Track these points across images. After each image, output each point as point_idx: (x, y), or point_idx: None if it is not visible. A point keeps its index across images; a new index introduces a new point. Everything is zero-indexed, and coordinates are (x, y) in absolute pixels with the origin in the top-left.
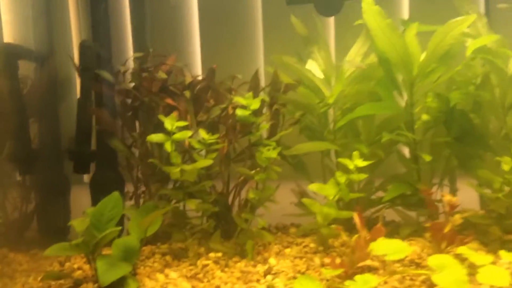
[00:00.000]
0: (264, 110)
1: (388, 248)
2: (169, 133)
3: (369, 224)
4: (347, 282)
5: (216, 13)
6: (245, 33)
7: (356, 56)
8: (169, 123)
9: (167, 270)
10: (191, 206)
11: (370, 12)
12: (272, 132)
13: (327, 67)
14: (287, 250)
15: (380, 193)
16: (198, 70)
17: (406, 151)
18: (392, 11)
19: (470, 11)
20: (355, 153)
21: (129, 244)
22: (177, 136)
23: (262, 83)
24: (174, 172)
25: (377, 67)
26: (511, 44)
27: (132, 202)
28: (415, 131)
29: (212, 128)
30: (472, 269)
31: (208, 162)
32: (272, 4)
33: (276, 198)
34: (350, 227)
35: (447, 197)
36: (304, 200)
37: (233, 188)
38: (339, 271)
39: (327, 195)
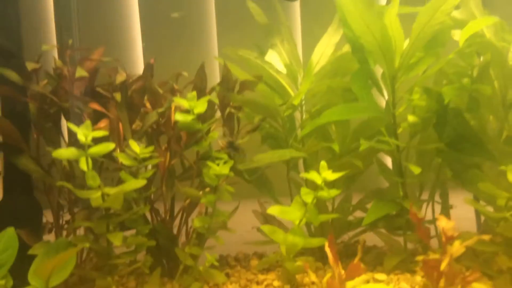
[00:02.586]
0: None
1: None
2: (84, 147)
3: (348, 251)
4: None
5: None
6: (195, 22)
7: (327, 47)
8: (82, 133)
9: None
10: (115, 241)
11: None
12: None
13: (293, 61)
14: None
15: (360, 212)
16: (139, 67)
17: (388, 161)
18: None
19: None
20: (323, 163)
21: None
22: (94, 150)
23: (216, 81)
24: (94, 197)
25: (352, 59)
26: (510, 27)
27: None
28: (399, 137)
29: (152, 138)
30: None
31: (139, 183)
32: None
33: (237, 221)
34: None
35: (443, 222)
36: (264, 227)
37: (178, 214)
38: None
39: (292, 220)
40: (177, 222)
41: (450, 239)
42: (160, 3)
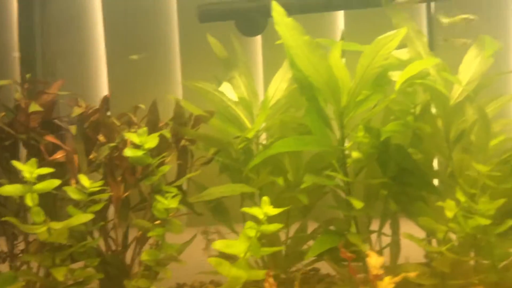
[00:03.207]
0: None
1: None
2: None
3: (301, 279)
4: None
5: (124, 34)
6: (160, 56)
7: (281, 81)
8: (28, 170)
9: None
10: (58, 276)
11: (283, 25)
12: (181, 174)
13: (250, 94)
14: None
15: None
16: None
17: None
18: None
19: (411, 30)
20: (265, 198)
21: None
22: (40, 186)
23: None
24: (41, 232)
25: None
26: (455, 67)
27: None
28: (352, 169)
29: (110, 170)
30: None
31: (85, 217)
32: (191, 23)
33: (197, 248)
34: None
35: (372, 258)
36: (210, 259)
37: (130, 244)
38: None
39: (237, 253)
40: (131, 252)
41: (377, 277)
42: (126, 35)
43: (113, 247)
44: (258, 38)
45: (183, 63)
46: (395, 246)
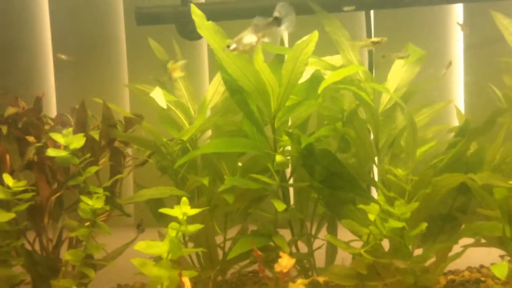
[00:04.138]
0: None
1: None
2: None
3: (238, 281)
4: None
5: (71, 35)
6: (107, 57)
7: (219, 85)
8: None
9: None
10: None
11: (204, 29)
12: (113, 175)
13: (189, 97)
14: None
15: None
16: (52, 101)
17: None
18: None
19: (343, 38)
20: (184, 199)
21: None
22: None
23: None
24: None
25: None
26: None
27: None
28: (281, 173)
29: (39, 170)
30: None
31: (7, 216)
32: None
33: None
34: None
35: (283, 259)
36: (134, 260)
37: (62, 243)
38: None
39: (160, 254)
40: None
41: (283, 275)
42: (72, 35)
43: (44, 248)
44: (204, 41)
45: (130, 65)
46: (330, 248)
